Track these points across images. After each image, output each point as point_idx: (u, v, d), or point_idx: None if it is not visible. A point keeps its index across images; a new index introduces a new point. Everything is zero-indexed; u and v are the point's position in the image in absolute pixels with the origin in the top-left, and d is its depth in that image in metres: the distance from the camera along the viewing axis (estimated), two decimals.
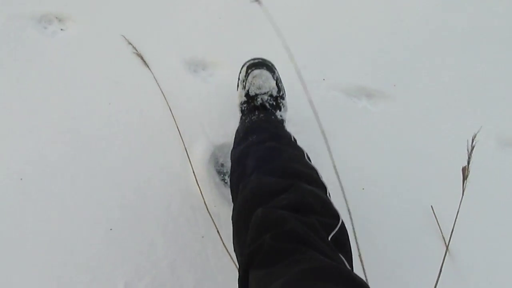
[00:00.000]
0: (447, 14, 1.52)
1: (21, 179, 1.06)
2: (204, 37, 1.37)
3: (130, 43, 1.29)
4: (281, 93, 1.05)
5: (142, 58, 1.27)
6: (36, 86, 1.23)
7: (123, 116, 1.19)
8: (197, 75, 1.31)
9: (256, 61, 1.04)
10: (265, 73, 1.01)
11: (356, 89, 1.32)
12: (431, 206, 1.08)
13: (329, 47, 1.39)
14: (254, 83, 1.01)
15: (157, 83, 1.24)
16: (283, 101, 1.05)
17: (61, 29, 1.33)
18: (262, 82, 1.01)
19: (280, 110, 1.02)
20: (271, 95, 1.01)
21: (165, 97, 1.22)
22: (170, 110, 1.19)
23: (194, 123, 1.19)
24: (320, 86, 1.29)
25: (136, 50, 1.28)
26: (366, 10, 1.51)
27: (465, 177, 0.76)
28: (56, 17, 1.34)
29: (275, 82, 1.03)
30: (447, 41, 1.45)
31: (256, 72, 1.01)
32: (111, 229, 1.01)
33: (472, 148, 0.76)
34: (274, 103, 1.01)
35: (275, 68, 1.07)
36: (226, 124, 1.19)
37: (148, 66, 1.27)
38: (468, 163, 0.76)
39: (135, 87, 1.25)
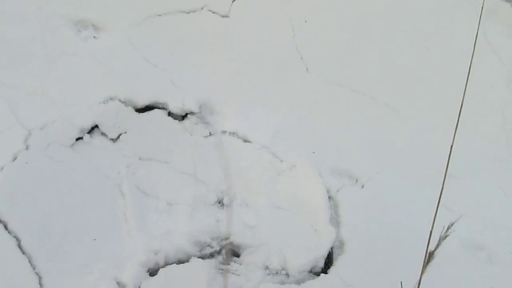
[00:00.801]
0: None
1: None
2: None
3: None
4: None
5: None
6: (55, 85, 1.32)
7: None
8: None
9: None
10: None
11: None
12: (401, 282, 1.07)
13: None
14: None
15: None
16: None
17: (94, 37, 1.40)
18: None
19: None
20: None
21: None
22: None
23: None
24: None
25: None
26: None
27: (427, 261, 0.76)
28: (93, 24, 1.42)
29: None
30: None
31: None
32: None
33: (445, 237, 0.77)
34: None
35: None
36: None
37: None
38: (436, 248, 0.76)
39: None
